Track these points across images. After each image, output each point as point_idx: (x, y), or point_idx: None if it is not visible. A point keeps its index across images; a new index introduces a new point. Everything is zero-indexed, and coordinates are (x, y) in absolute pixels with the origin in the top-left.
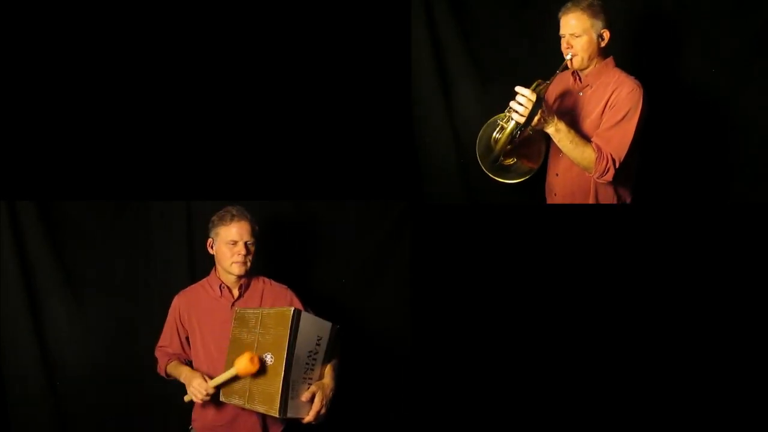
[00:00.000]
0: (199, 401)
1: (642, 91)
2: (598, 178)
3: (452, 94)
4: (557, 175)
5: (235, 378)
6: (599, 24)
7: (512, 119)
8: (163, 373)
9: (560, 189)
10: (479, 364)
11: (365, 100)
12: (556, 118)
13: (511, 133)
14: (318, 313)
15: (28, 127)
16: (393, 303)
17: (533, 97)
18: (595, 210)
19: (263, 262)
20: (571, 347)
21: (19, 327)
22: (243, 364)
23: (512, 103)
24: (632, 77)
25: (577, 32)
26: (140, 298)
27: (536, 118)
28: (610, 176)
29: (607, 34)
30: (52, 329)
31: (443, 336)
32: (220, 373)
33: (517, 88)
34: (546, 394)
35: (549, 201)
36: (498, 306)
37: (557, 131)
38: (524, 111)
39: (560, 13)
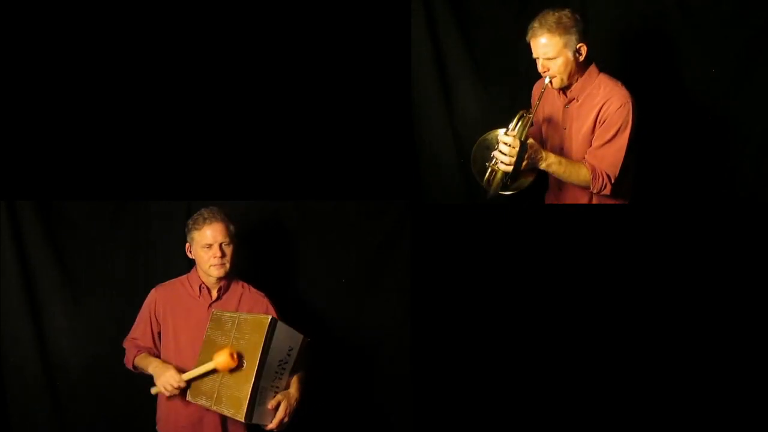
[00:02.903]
0: (168, 393)
1: (631, 102)
2: (595, 194)
3: (452, 95)
4: (560, 189)
5: (210, 372)
6: (573, 40)
7: (499, 168)
8: (130, 366)
9: (563, 201)
10: (479, 364)
11: (365, 100)
12: (543, 153)
13: (502, 179)
14: (318, 313)
15: (28, 127)
16: (393, 303)
17: (516, 145)
18: (595, 210)
19: (263, 262)
20: (571, 347)
21: (19, 327)
22: (223, 358)
23: (496, 154)
24: (619, 85)
25: (551, 55)
26: (140, 298)
27: (524, 163)
28: (607, 191)
29: (584, 49)
30: (52, 329)
31: (443, 336)
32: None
33: (499, 136)
34: (546, 394)
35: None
36: (498, 306)
37: (548, 165)
38: (510, 160)
39: (528, 36)
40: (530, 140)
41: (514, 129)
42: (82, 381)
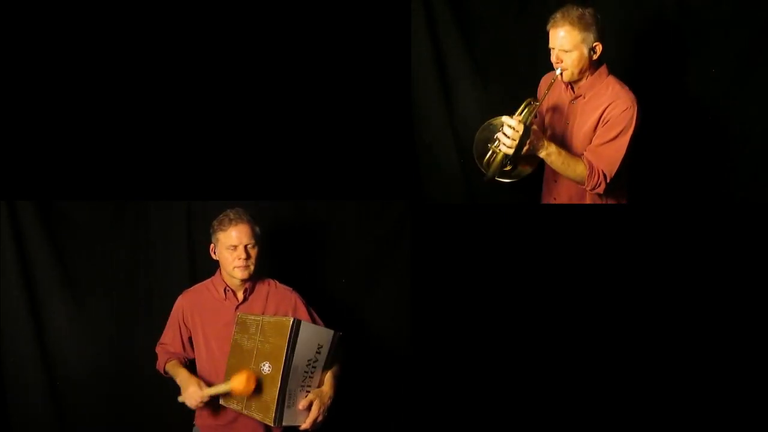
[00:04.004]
0: (192, 407)
1: (636, 107)
2: (590, 190)
3: (452, 94)
4: (555, 181)
5: (230, 392)
6: (591, 37)
7: (501, 150)
8: (161, 371)
9: (559, 194)
10: (479, 364)
11: (365, 100)
12: (545, 141)
13: (502, 161)
14: (318, 313)
15: (28, 127)
16: (393, 303)
17: (520, 129)
18: (595, 210)
19: (262, 262)
20: (570, 347)
21: (19, 327)
22: (239, 383)
23: (499, 135)
24: (626, 89)
25: (567, 47)
26: (140, 298)
27: (525, 148)
28: (600, 190)
29: (599, 48)
30: (52, 329)
31: (443, 336)
32: (221, 377)
33: (504, 119)
34: (546, 394)
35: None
36: (498, 306)
37: (548, 155)
38: (511, 143)
39: (549, 25)
40: (534, 127)
41: (519, 114)
42: (81, 381)
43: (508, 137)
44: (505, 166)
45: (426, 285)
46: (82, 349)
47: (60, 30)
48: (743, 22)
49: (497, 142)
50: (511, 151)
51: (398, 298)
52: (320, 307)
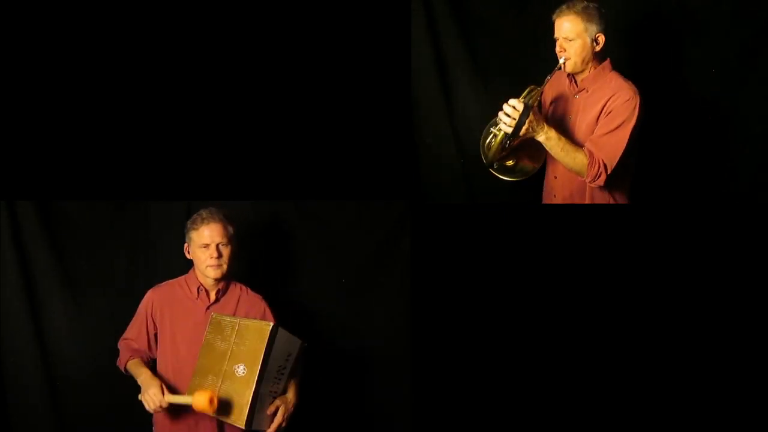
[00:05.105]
0: (150, 410)
1: (639, 99)
2: (590, 182)
3: (452, 94)
4: (556, 177)
5: (189, 406)
6: (594, 28)
7: (501, 129)
8: (122, 368)
9: (559, 191)
10: (479, 364)
11: (365, 100)
12: (545, 125)
13: (501, 141)
14: (318, 313)
15: (28, 127)
16: (393, 303)
17: (520, 107)
18: (595, 210)
19: (263, 262)
20: (571, 347)
21: (19, 327)
22: (201, 402)
23: (500, 114)
24: (629, 82)
25: (571, 36)
26: (140, 299)
27: (524, 128)
28: (601, 181)
29: (602, 39)
30: (52, 329)
31: (443, 336)
32: (185, 376)
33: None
34: (546, 394)
35: (548, 203)
36: (498, 306)
37: (547, 139)
38: (511, 122)
39: (554, 16)
40: (534, 108)
41: (522, 97)
42: (82, 381)
43: (508, 116)
44: (506, 148)
45: (426, 285)
46: (82, 349)
47: (60, 30)
48: (743, 22)
49: (497, 125)
50: (510, 130)
51: (398, 299)
52: (319, 306)
